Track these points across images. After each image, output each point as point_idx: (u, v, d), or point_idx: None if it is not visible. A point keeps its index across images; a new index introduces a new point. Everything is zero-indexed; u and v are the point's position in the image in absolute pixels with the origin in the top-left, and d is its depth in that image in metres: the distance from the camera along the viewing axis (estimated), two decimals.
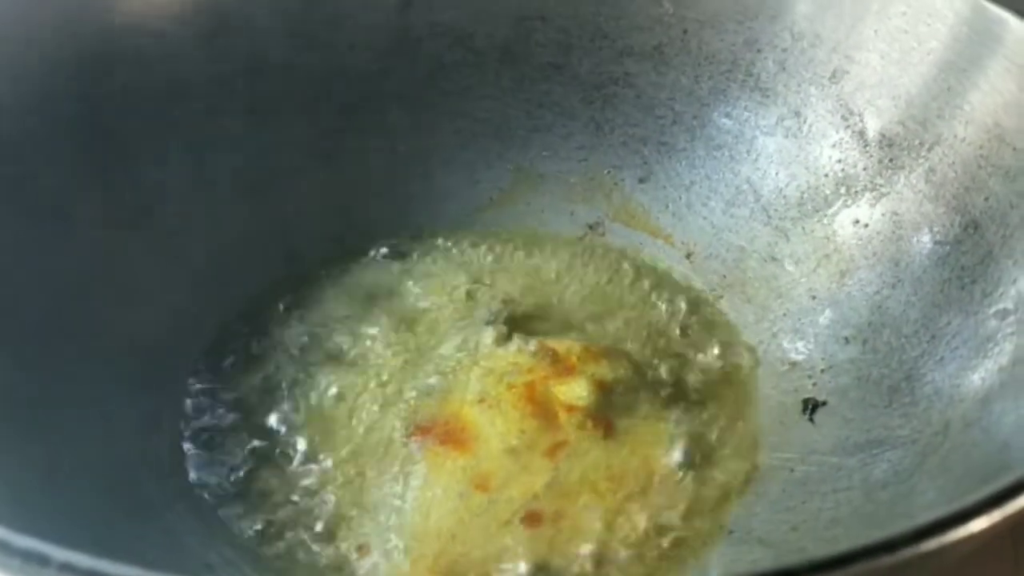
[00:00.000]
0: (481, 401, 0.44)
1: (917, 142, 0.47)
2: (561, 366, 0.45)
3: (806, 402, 0.45)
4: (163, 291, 0.48)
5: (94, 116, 0.48)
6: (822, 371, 0.46)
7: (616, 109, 0.55)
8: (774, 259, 0.51)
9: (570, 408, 0.44)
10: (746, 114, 0.53)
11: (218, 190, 0.51)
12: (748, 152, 0.53)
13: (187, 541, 0.41)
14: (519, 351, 0.46)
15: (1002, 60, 0.45)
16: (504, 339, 0.47)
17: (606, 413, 0.44)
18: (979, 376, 0.40)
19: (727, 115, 0.53)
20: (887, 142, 0.48)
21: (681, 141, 0.54)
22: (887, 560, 0.25)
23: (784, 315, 0.49)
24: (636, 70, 0.54)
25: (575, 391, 0.44)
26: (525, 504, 0.41)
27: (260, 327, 0.49)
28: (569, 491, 0.42)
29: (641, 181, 0.55)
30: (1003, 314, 0.41)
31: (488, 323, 0.49)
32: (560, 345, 0.46)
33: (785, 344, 0.48)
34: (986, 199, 0.44)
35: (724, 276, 0.52)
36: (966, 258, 0.44)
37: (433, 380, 0.46)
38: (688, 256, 0.53)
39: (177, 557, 0.40)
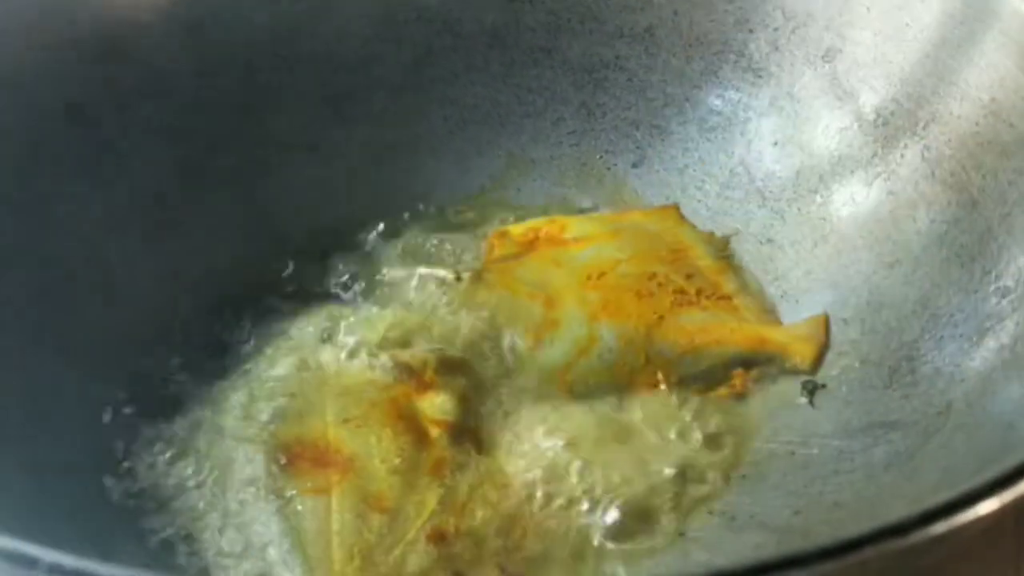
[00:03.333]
0: (346, 421, 0.42)
1: (912, 120, 0.47)
2: (419, 380, 0.44)
3: (805, 385, 0.45)
4: (147, 287, 0.47)
5: (80, 110, 0.47)
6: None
7: (607, 93, 0.55)
8: (770, 241, 0.50)
9: (438, 423, 0.42)
10: (739, 95, 0.52)
11: (207, 184, 0.50)
12: (742, 134, 0.52)
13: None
14: (371, 367, 0.44)
15: (998, 35, 0.44)
16: (351, 355, 0.45)
17: (475, 425, 0.43)
18: (981, 356, 0.40)
19: (720, 97, 0.53)
20: (882, 120, 0.48)
21: (674, 124, 0.54)
22: (897, 544, 0.25)
23: (781, 297, 0.49)
24: (627, 53, 0.54)
25: (439, 406, 0.43)
26: (425, 522, 0.39)
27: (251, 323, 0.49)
28: (460, 507, 0.40)
29: (634, 165, 0.54)
30: (1004, 292, 0.41)
31: (322, 341, 0.46)
32: (414, 359, 0.44)
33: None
34: (983, 176, 0.44)
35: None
36: (965, 236, 0.43)
37: (282, 402, 0.43)
38: None
39: (172, 557, 0.40)
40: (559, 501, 0.41)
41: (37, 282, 0.44)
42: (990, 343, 0.40)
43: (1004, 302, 0.41)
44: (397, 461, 0.41)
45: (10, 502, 0.36)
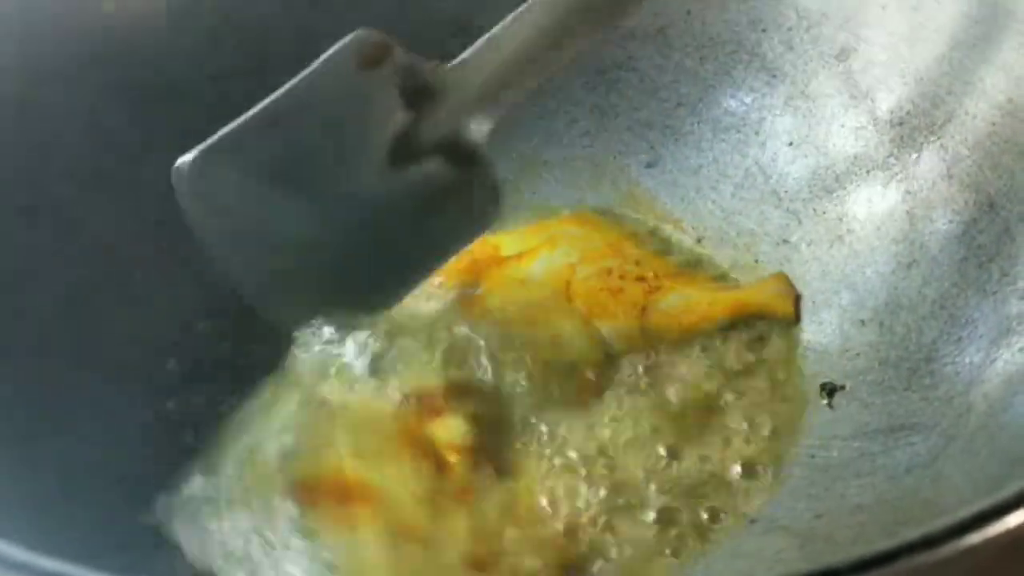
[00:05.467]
0: (361, 454, 0.41)
1: (928, 120, 0.47)
2: (428, 406, 0.43)
3: (823, 386, 0.45)
4: (168, 293, 0.47)
5: (93, 116, 0.47)
6: (839, 354, 0.46)
7: (620, 94, 0.54)
8: (786, 242, 0.50)
9: (455, 448, 0.42)
10: (753, 95, 0.52)
11: None
12: (756, 134, 0.52)
13: None
14: (377, 397, 0.43)
15: (1015, 35, 0.44)
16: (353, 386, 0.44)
17: (492, 447, 0.43)
18: (1002, 358, 0.40)
19: (733, 97, 0.53)
20: (898, 120, 0.48)
21: (687, 124, 0.53)
22: (928, 557, 0.25)
23: (801, 298, 0.49)
24: (639, 53, 0.54)
25: (453, 430, 0.42)
26: (461, 549, 0.39)
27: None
28: (494, 531, 0.40)
29: (648, 166, 0.54)
30: (1023, 293, 0.41)
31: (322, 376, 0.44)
32: (421, 385, 0.43)
33: (801, 328, 0.48)
34: (1000, 176, 0.44)
35: (736, 261, 0.51)
36: (982, 236, 0.43)
37: (288, 440, 0.42)
38: (699, 241, 0.52)
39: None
40: (589, 514, 0.41)
41: (54, 291, 0.44)
42: (1011, 345, 0.40)
43: (1022, 303, 0.41)
44: (421, 490, 0.40)
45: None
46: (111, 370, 0.44)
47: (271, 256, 0.45)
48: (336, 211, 0.44)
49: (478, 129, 0.42)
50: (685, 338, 0.47)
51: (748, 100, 0.52)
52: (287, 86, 0.42)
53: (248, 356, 0.48)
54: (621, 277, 0.49)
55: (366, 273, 0.45)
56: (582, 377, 0.45)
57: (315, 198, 0.43)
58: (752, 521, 0.41)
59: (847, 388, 0.44)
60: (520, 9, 0.40)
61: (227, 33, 0.50)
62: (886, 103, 0.48)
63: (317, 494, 0.40)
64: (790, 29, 0.51)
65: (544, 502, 0.41)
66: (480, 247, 0.50)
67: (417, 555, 0.38)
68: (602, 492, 0.41)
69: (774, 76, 0.51)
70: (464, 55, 0.41)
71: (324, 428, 0.42)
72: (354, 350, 0.45)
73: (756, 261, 0.50)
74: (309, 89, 0.42)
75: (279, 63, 0.51)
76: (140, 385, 0.45)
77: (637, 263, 0.50)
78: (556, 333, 0.46)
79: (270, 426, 0.43)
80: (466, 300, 0.49)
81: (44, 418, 0.41)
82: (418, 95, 0.42)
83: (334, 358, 0.44)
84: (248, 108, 0.50)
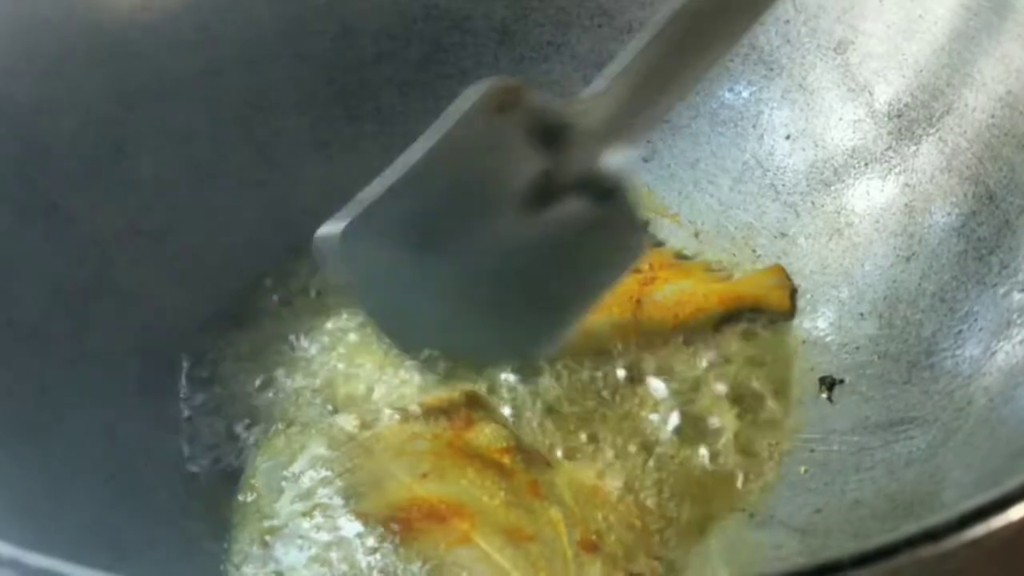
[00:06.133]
0: (424, 476, 0.40)
1: (927, 112, 0.46)
2: (457, 419, 0.43)
3: (823, 380, 0.45)
4: (162, 289, 0.47)
5: (88, 112, 0.47)
6: (838, 348, 0.46)
7: None
8: (784, 235, 0.50)
9: (502, 451, 0.42)
10: (751, 88, 0.52)
11: (215, 184, 0.50)
12: (754, 127, 0.52)
13: (203, 545, 0.40)
14: (404, 420, 0.43)
15: (1012, 26, 0.44)
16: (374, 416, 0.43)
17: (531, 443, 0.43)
18: (1002, 350, 0.39)
19: (731, 90, 0.52)
20: (896, 113, 0.48)
21: (684, 118, 0.53)
22: (930, 550, 0.25)
23: (797, 291, 0.48)
24: None
25: (492, 436, 0.42)
26: (570, 538, 0.39)
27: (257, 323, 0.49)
28: (581, 515, 0.40)
29: (645, 160, 0.54)
30: (1023, 285, 0.40)
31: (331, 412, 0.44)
32: (441, 401, 0.43)
33: (799, 321, 0.47)
34: (1000, 168, 0.43)
35: (734, 254, 0.51)
36: (982, 229, 0.43)
37: (340, 483, 0.40)
38: (696, 235, 0.52)
39: (190, 561, 0.40)
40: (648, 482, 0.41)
41: (48, 286, 0.44)
42: (1012, 337, 0.39)
43: (1023, 296, 0.40)
44: (503, 494, 0.40)
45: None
46: (102, 368, 0.44)
47: (422, 314, 0.44)
48: (482, 262, 0.43)
49: (615, 160, 0.41)
50: (680, 330, 0.47)
51: (746, 93, 0.52)
52: (424, 145, 0.41)
53: (242, 356, 0.47)
54: None
55: (520, 322, 0.45)
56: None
57: (459, 251, 0.43)
58: (752, 515, 0.41)
59: (846, 382, 0.44)
60: (644, 32, 0.38)
61: (219, 29, 0.50)
62: (884, 95, 0.48)
63: (411, 521, 0.39)
64: (787, 22, 0.51)
65: (606, 480, 0.41)
66: None
67: (538, 551, 0.38)
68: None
69: (771, 69, 0.51)
70: (592, 87, 0.39)
71: (368, 462, 0.41)
72: (352, 378, 0.45)
73: (754, 254, 0.50)
74: (447, 147, 0.41)
75: (271, 59, 0.51)
76: (132, 383, 0.45)
77: None
78: None
79: (308, 475, 0.41)
80: None
81: (35, 415, 0.40)
82: (551, 134, 0.41)
83: (333, 390, 0.45)
84: (243, 106, 0.51)
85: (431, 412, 0.43)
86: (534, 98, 0.41)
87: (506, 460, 0.41)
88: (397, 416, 0.43)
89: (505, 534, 0.38)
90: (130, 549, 0.38)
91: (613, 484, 0.41)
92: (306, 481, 0.41)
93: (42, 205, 0.45)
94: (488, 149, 0.41)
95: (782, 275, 0.49)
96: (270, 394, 0.46)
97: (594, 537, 0.39)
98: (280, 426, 0.44)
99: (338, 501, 0.40)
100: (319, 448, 0.42)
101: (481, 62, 0.54)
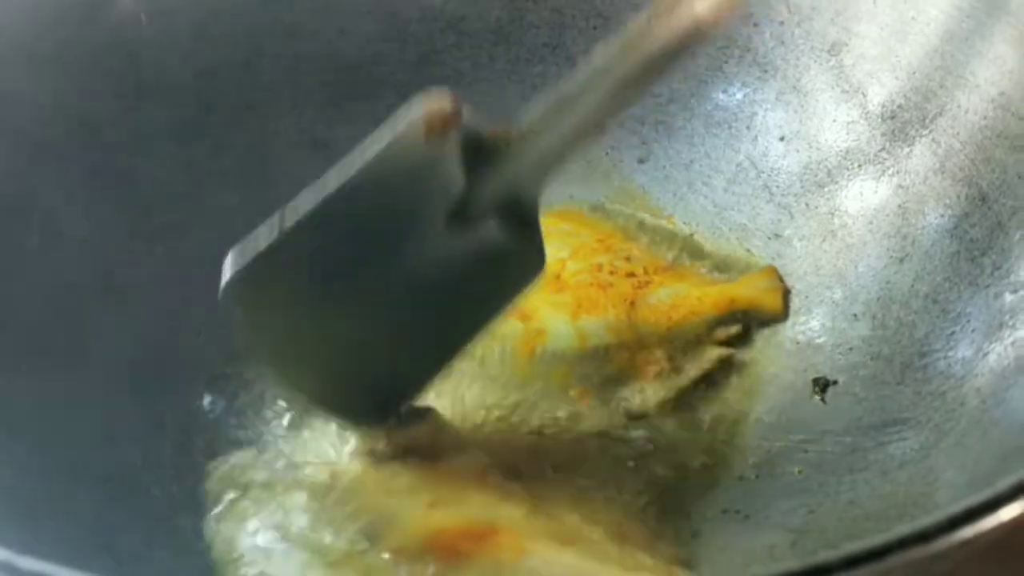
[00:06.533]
0: (435, 505, 0.38)
1: (920, 114, 0.47)
2: (429, 452, 0.41)
3: (816, 381, 0.45)
4: (161, 292, 0.47)
5: (83, 114, 0.47)
6: (832, 349, 0.46)
7: None
8: (778, 236, 0.50)
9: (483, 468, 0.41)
10: (745, 90, 0.52)
11: (213, 185, 0.50)
12: (748, 129, 0.52)
13: (197, 547, 0.40)
14: (373, 459, 0.41)
15: (1006, 28, 0.44)
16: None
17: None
18: (994, 351, 0.40)
19: (725, 92, 0.52)
20: (889, 114, 0.48)
21: (679, 120, 0.53)
22: (921, 551, 0.25)
23: (790, 293, 0.48)
24: None
25: (475, 457, 0.41)
26: (605, 531, 0.39)
27: None
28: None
29: (640, 161, 0.54)
30: (1015, 287, 0.41)
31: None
32: (406, 437, 0.41)
33: (792, 322, 0.48)
34: (993, 170, 0.44)
35: (727, 256, 0.51)
36: (975, 230, 0.43)
37: (351, 528, 0.38)
38: (690, 236, 0.52)
39: (186, 564, 0.40)
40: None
41: (41, 290, 0.44)
42: (1004, 339, 0.40)
43: (1015, 297, 0.41)
44: (517, 506, 0.39)
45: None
46: (98, 370, 0.44)
47: (328, 354, 0.41)
48: (393, 292, 0.40)
49: (535, 191, 0.40)
50: (674, 332, 0.47)
51: (740, 95, 0.52)
52: (343, 173, 0.38)
53: (237, 358, 0.47)
54: (611, 272, 0.49)
55: (411, 347, 0.42)
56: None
57: (372, 281, 0.40)
58: (745, 517, 0.41)
59: (839, 383, 0.44)
60: (585, 68, 0.38)
61: (214, 28, 0.50)
62: (878, 97, 0.48)
63: (453, 546, 0.37)
64: (782, 23, 0.51)
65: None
66: None
67: (598, 549, 0.37)
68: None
69: (765, 71, 0.51)
70: (530, 117, 0.37)
71: (366, 503, 0.39)
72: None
73: (748, 255, 0.50)
74: (370, 175, 0.38)
75: (266, 58, 0.52)
76: (127, 385, 0.45)
77: (627, 259, 0.50)
78: (539, 329, 0.46)
79: (313, 534, 0.39)
80: None
81: (28, 417, 0.40)
82: (479, 158, 0.38)
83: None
84: (238, 104, 0.51)
85: (399, 450, 0.41)
86: (468, 120, 0.38)
87: (491, 473, 0.40)
88: (364, 458, 0.41)
89: (548, 537, 0.37)
90: (125, 553, 0.38)
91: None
92: (305, 544, 0.38)
93: (40, 205, 0.45)
94: (416, 177, 0.38)
95: (775, 277, 0.49)
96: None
97: (627, 530, 0.40)
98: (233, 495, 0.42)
99: (362, 544, 0.37)
100: (294, 512, 0.39)
101: (477, 63, 0.54)
